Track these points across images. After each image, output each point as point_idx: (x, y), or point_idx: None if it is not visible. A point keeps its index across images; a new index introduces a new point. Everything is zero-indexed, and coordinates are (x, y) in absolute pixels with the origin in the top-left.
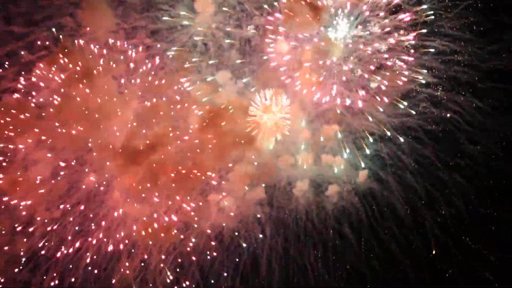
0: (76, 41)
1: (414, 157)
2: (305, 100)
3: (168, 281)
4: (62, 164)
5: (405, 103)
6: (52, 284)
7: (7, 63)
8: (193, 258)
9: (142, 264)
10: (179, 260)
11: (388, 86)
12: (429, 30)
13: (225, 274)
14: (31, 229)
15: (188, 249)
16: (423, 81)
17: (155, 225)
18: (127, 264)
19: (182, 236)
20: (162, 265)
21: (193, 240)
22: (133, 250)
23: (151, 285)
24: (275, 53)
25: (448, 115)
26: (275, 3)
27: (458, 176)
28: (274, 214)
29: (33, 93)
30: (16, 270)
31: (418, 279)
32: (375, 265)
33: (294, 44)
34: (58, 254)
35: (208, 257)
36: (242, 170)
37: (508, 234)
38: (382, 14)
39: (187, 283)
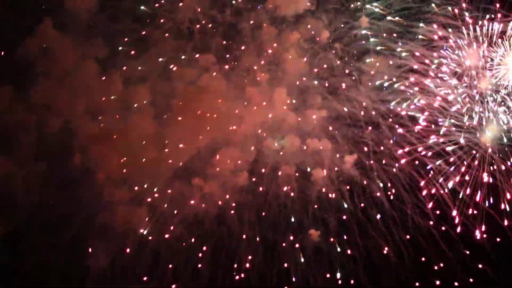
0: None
1: (400, 143)
2: (290, 85)
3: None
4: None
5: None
6: (31, 267)
7: None
8: (172, 245)
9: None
10: (158, 246)
11: (373, 72)
12: (416, 17)
13: (204, 262)
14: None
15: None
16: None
17: (135, 210)
18: (103, 248)
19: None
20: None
21: (172, 228)
22: (110, 235)
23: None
24: (262, 37)
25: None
26: None
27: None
28: (257, 200)
29: (15, 75)
30: None
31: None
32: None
33: (281, 28)
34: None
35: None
36: (225, 155)
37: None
38: None
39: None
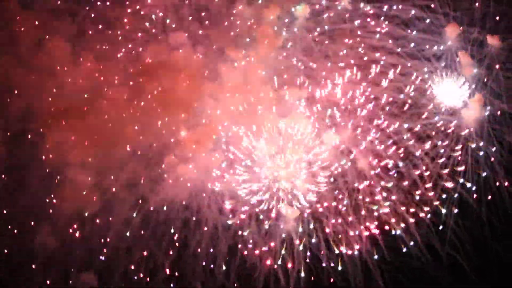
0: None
1: (380, 127)
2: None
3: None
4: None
5: None
6: None
7: None
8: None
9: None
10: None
11: (352, 54)
12: None
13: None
14: None
15: None
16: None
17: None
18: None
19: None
20: None
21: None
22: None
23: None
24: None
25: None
26: None
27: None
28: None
29: None
30: None
31: None
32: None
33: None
34: None
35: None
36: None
37: None
38: None
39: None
